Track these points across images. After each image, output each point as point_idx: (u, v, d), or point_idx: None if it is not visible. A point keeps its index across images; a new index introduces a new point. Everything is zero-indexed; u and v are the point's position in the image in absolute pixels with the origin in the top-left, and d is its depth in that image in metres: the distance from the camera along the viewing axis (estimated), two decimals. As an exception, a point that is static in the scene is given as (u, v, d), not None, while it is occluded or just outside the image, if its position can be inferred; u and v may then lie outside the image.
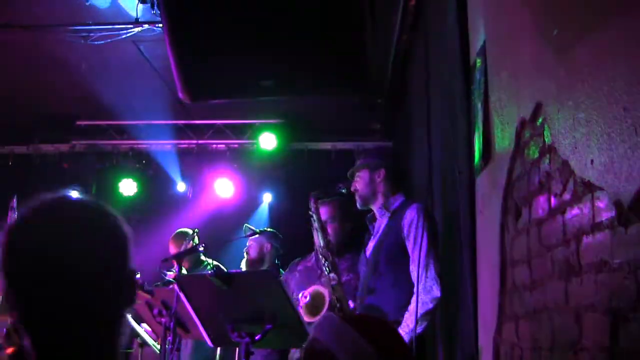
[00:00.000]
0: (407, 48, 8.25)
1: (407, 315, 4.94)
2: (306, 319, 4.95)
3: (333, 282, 5.22)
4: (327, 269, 5.29)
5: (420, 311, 4.89)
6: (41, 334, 1.81)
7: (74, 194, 2.03)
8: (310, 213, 5.48)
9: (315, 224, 5.46)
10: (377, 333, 2.54)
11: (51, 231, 1.88)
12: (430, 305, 4.95)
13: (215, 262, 7.77)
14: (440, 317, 5.47)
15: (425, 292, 4.94)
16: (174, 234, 8.27)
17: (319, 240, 5.43)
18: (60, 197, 1.99)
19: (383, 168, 5.42)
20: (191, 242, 7.60)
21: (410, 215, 5.16)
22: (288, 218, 7.61)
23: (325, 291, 5.08)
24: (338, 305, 5.21)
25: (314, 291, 5.03)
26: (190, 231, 7.98)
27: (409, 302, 5.02)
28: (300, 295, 5.11)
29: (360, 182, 5.44)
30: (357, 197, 5.49)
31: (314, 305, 4.96)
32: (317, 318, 4.92)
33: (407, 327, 4.87)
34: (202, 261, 7.76)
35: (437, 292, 4.96)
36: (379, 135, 12.16)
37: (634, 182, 2.13)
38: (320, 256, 5.37)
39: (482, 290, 4.46)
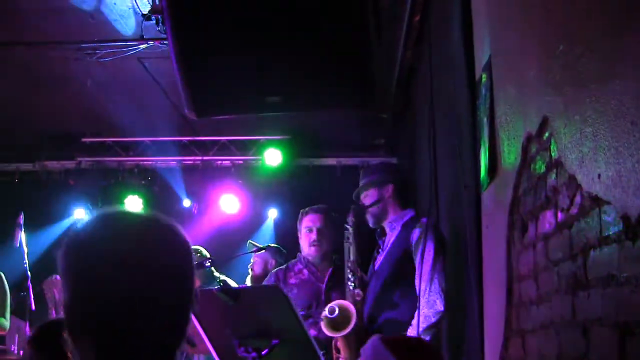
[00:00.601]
0: (411, 64, 8.26)
1: (410, 329, 4.94)
2: (328, 333, 4.96)
3: (357, 298, 5.21)
4: (353, 284, 5.27)
5: (423, 325, 4.89)
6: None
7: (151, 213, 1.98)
8: (347, 226, 5.44)
9: (351, 238, 5.42)
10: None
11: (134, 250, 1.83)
12: (433, 320, 4.95)
13: (223, 277, 7.77)
14: (447, 332, 5.46)
15: (429, 306, 4.94)
16: None
17: (350, 254, 5.40)
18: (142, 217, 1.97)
19: (391, 183, 5.42)
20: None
21: (419, 230, 5.16)
22: (293, 234, 7.61)
23: (352, 307, 5.05)
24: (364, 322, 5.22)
25: (340, 306, 5.01)
26: (197, 247, 8.00)
27: (411, 317, 5.02)
28: (327, 309, 5.07)
29: (369, 201, 5.43)
30: (368, 216, 5.48)
31: (339, 320, 4.94)
32: (342, 333, 4.92)
33: None
34: (215, 277, 7.75)
35: (440, 306, 4.96)
36: (384, 151, 12.17)
37: (642, 196, 2.14)
38: (348, 270, 5.35)
39: (488, 305, 4.45)
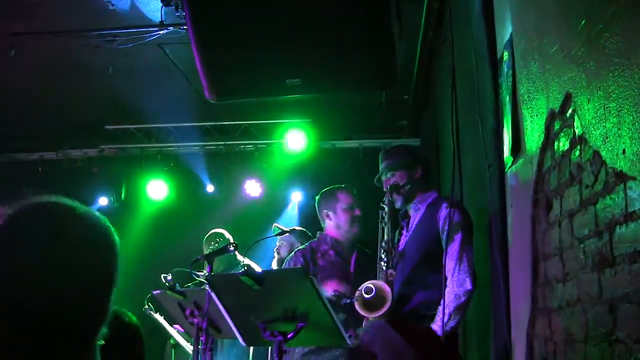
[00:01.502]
0: (432, 46, 8.23)
1: (440, 309, 4.92)
2: (362, 312, 4.95)
3: (391, 278, 5.19)
4: (387, 264, 5.25)
5: (453, 304, 4.87)
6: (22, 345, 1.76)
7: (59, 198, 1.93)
8: (383, 206, 5.41)
9: (386, 218, 5.39)
10: None
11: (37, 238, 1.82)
12: (463, 299, 4.92)
13: (247, 261, 7.77)
14: (473, 311, 5.45)
15: (458, 285, 4.92)
16: (207, 235, 8.26)
17: (385, 234, 5.37)
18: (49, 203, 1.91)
19: (420, 166, 5.40)
20: (217, 243, 7.61)
21: (446, 209, 5.14)
22: (317, 217, 7.61)
23: (387, 288, 5.03)
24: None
25: (377, 286, 4.98)
26: (221, 231, 8.01)
27: (442, 295, 5.00)
28: (363, 288, 5.05)
29: (398, 182, 5.40)
30: (397, 196, 5.44)
31: (375, 301, 4.92)
32: (377, 313, 4.91)
33: (440, 321, 4.85)
34: (239, 261, 7.76)
35: (469, 285, 4.94)
36: (406, 132, 12.15)
37: (667, 171, 2.12)
38: (382, 250, 5.32)
39: (514, 284, 4.44)
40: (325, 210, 6.31)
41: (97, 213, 1.95)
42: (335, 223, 6.28)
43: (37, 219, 1.85)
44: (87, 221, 1.90)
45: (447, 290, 4.93)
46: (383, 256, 5.23)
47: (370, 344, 5.10)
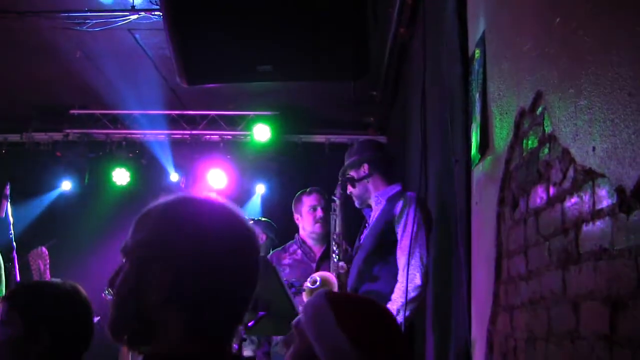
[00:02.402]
0: (404, 42, 8.23)
1: (389, 304, 4.93)
2: None
3: (341, 270, 5.19)
4: (338, 256, 5.26)
5: (402, 300, 4.88)
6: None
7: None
8: (334, 198, 5.43)
9: (337, 210, 5.41)
10: (363, 330, 2.47)
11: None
12: (413, 294, 4.94)
13: None
14: (433, 307, 5.46)
15: (409, 280, 4.93)
16: None
17: (336, 226, 5.39)
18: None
19: (365, 162, 5.40)
20: None
21: (402, 202, 5.16)
22: (280, 210, 7.60)
23: (333, 279, 5.04)
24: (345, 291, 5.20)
25: (322, 277, 4.99)
26: None
27: (393, 290, 5.01)
28: (309, 279, 5.07)
29: (349, 183, 5.42)
30: (354, 199, 5.49)
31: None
32: None
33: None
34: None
35: (419, 281, 4.95)
36: (373, 129, 12.15)
37: (638, 168, 2.12)
38: (333, 243, 5.33)
39: (476, 282, 4.45)
40: (295, 214, 6.48)
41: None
42: (302, 224, 6.43)
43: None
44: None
45: (397, 285, 4.96)
46: (335, 248, 5.24)
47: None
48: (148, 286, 1.92)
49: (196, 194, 2.10)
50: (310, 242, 6.42)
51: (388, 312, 2.72)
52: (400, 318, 4.82)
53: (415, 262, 4.98)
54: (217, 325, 1.96)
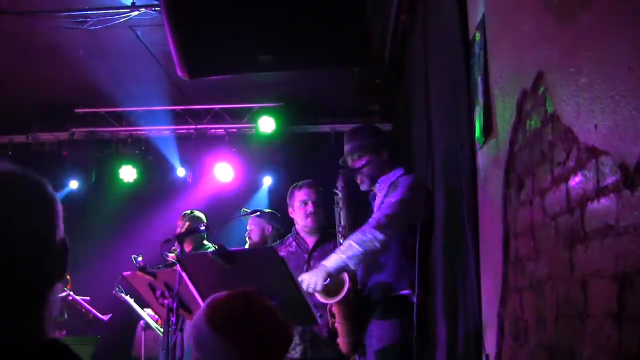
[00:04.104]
0: (405, 28, 8.21)
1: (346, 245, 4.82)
2: (322, 300, 4.92)
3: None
4: None
5: (353, 237, 4.81)
6: None
7: None
8: (336, 191, 5.37)
9: (340, 204, 5.37)
10: (227, 320, 2.70)
11: None
12: (368, 236, 4.80)
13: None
14: (443, 291, 5.46)
15: (369, 225, 4.83)
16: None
17: (341, 219, 5.34)
18: None
19: (386, 149, 5.35)
20: (188, 222, 7.64)
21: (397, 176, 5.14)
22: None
23: (345, 275, 5.00)
24: (357, 287, 5.16)
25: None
26: (189, 212, 8.03)
27: (402, 273, 4.97)
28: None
29: (366, 165, 5.35)
30: (363, 179, 5.40)
31: (332, 286, 4.88)
32: (334, 299, 4.88)
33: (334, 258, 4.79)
34: (204, 245, 7.76)
35: (380, 235, 4.82)
36: (379, 117, 12.12)
37: (640, 143, 2.12)
38: (340, 235, 5.29)
39: (485, 264, 4.45)
40: (289, 208, 6.48)
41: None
42: (295, 218, 6.41)
43: None
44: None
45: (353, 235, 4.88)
46: (341, 241, 5.18)
47: None
48: None
49: None
50: (303, 234, 6.42)
51: (257, 304, 2.90)
52: (341, 260, 4.72)
53: (385, 210, 4.89)
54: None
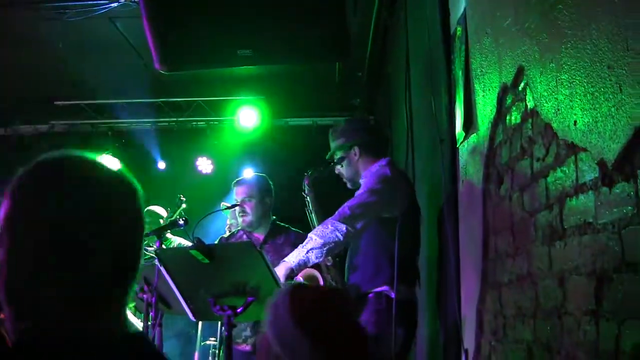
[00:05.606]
0: (386, 23, 8.22)
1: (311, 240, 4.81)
2: None
3: (328, 264, 5.14)
4: None
5: (316, 231, 4.79)
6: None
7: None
8: (304, 194, 5.35)
9: (310, 206, 5.33)
10: (311, 315, 2.54)
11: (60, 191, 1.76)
12: (329, 227, 4.78)
13: (179, 240, 7.77)
14: (425, 287, 5.45)
15: (335, 217, 4.81)
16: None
17: (314, 221, 5.31)
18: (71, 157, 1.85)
19: (356, 146, 5.28)
20: (161, 220, 7.63)
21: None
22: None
23: (317, 274, 4.98)
24: (334, 285, 5.14)
25: (306, 274, 4.93)
26: (152, 208, 8.01)
27: (378, 271, 4.96)
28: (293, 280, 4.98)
29: (341, 167, 5.34)
30: (345, 180, 5.40)
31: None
32: None
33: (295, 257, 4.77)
34: (168, 239, 7.77)
35: (344, 227, 4.79)
36: (360, 110, 12.12)
37: (619, 141, 2.11)
38: None
39: (464, 260, 4.44)
40: None
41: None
42: None
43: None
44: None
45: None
46: None
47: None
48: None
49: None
50: (248, 229, 6.41)
51: (340, 299, 2.76)
52: (303, 255, 4.71)
53: (351, 204, 4.86)
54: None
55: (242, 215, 6.31)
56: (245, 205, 6.24)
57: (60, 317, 1.69)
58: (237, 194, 6.34)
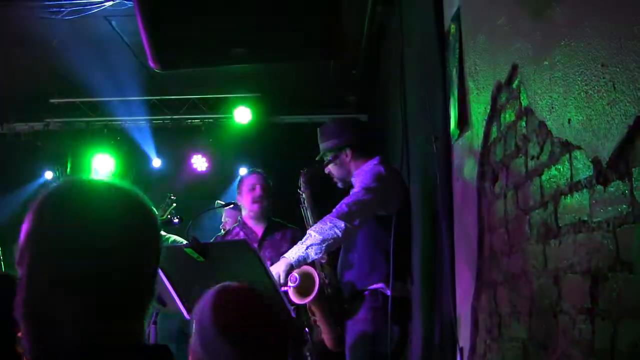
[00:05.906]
0: (381, 20, 8.21)
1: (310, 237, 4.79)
2: (296, 300, 4.89)
3: (322, 261, 5.13)
4: None
5: (315, 228, 4.78)
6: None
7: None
8: (300, 192, 5.35)
9: (305, 203, 5.33)
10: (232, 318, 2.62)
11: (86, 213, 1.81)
12: (328, 224, 4.77)
13: (174, 237, 7.75)
14: (419, 285, 5.45)
15: (331, 216, 4.79)
16: None
17: (309, 218, 5.30)
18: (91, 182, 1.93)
19: (348, 147, 5.27)
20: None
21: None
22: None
23: (313, 271, 4.98)
24: (327, 281, 5.13)
25: (301, 272, 4.92)
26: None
27: (374, 268, 4.96)
28: (289, 278, 4.97)
29: (332, 168, 5.33)
30: (336, 180, 5.40)
31: (303, 286, 4.85)
32: (308, 299, 4.85)
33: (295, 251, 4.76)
34: (161, 236, 7.74)
35: (342, 224, 4.78)
36: (355, 108, 12.12)
37: (613, 139, 2.11)
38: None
39: (460, 258, 4.44)
40: (238, 196, 6.46)
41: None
42: (243, 204, 6.38)
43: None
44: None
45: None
46: None
47: None
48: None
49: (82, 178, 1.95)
50: (251, 223, 6.37)
51: (260, 299, 2.83)
52: (302, 251, 4.70)
53: (349, 200, 4.85)
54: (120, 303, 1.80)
55: (260, 201, 6.29)
56: (262, 191, 6.25)
57: (79, 334, 1.73)
58: (251, 180, 6.34)
